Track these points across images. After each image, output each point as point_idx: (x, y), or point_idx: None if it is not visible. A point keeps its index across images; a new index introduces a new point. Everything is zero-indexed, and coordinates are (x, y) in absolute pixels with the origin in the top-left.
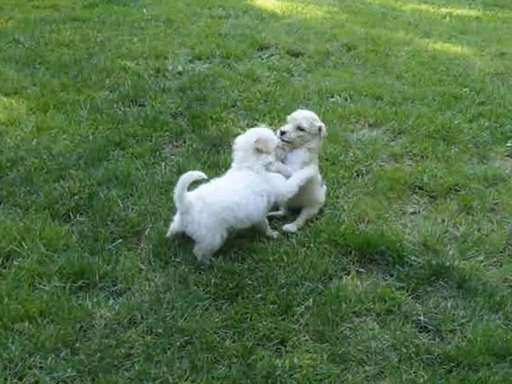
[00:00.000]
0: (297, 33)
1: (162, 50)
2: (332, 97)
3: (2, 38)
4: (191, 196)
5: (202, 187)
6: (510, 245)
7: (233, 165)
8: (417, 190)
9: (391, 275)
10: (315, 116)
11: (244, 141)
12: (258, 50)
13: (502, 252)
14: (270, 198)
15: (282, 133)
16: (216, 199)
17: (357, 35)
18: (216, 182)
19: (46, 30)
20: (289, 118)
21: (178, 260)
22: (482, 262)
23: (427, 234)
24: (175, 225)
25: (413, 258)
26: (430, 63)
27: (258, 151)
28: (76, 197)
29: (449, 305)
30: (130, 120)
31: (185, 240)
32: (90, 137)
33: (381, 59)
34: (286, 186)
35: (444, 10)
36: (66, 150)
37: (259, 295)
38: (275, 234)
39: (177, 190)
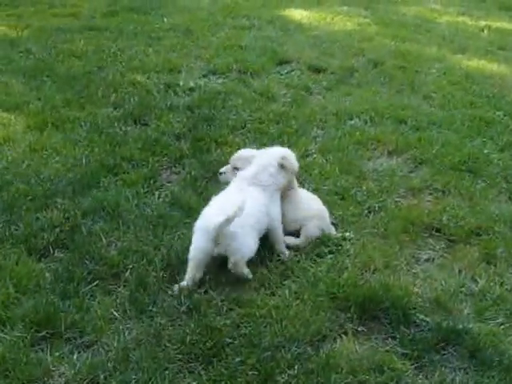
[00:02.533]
0: (322, 46)
1: (176, 63)
2: (351, 119)
3: (15, 47)
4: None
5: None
6: None
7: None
8: (434, 233)
9: (394, 338)
10: None
11: (267, 157)
12: (277, 64)
13: None
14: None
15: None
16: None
17: (385, 50)
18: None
19: (60, 39)
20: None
21: (155, 310)
22: (502, 324)
23: (440, 287)
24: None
25: (421, 317)
26: (462, 82)
27: (282, 168)
28: (57, 229)
29: (457, 379)
30: (129, 141)
31: (165, 285)
32: (84, 160)
33: (409, 77)
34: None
35: (482, 23)
36: (56, 174)
37: (239, 359)
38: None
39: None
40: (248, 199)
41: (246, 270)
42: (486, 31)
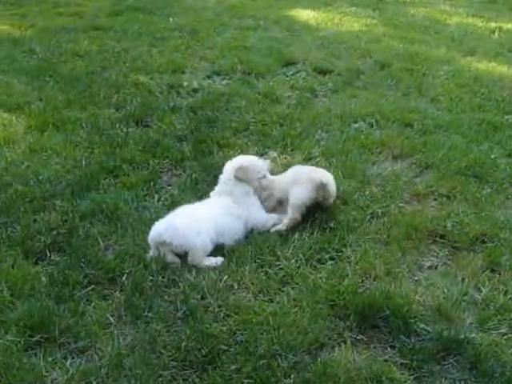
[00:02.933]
0: (328, 47)
1: (180, 64)
2: (356, 122)
3: (19, 47)
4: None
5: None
6: None
7: (214, 192)
8: (437, 239)
9: (393, 347)
10: None
11: (227, 167)
12: (283, 65)
13: None
14: (246, 223)
15: None
16: (195, 213)
17: (393, 51)
18: (191, 205)
19: (64, 39)
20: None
21: (151, 315)
22: (505, 334)
23: (442, 295)
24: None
25: (422, 326)
26: (470, 85)
27: (238, 179)
28: (54, 232)
29: None
30: (129, 143)
31: (161, 290)
32: (84, 162)
33: (416, 79)
34: (264, 217)
35: (493, 25)
36: (56, 175)
37: (234, 366)
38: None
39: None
40: (211, 205)
41: (209, 261)
42: (496, 33)
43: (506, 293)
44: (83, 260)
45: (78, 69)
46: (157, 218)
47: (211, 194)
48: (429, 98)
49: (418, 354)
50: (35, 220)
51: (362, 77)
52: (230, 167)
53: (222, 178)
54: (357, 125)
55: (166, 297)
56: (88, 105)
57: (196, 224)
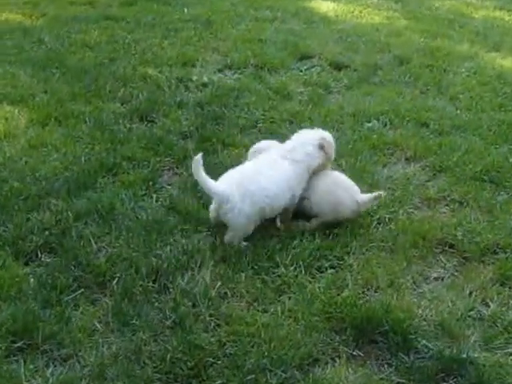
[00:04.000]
0: (346, 41)
1: (191, 57)
2: (369, 121)
3: (28, 36)
4: (228, 182)
5: (240, 170)
6: None
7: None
8: (446, 249)
9: (390, 365)
10: None
11: (307, 136)
12: (298, 59)
13: None
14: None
15: None
16: (258, 187)
17: (413, 46)
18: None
19: (74, 29)
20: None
21: (138, 323)
22: (511, 355)
23: (447, 310)
24: (213, 213)
25: (423, 342)
26: (492, 83)
27: (320, 148)
28: (47, 232)
29: None
30: (132, 140)
31: (152, 296)
32: (83, 158)
33: (436, 76)
34: None
35: None
36: (54, 172)
37: (220, 381)
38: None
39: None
40: (270, 173)
41: (242, 244)
42: None
43: None
44: (74, 262)
45: (86, 60)
46: (153, 220)
47: (276, 154)
48: (448, 97)
49: (416, 373)
50: (28, 219)
51: (379, 72)
52: (311, 136)
53: (300, 144)
54: (370, 124)
55: (156, 304)
56: (93, 98)
57: (253, 206)
